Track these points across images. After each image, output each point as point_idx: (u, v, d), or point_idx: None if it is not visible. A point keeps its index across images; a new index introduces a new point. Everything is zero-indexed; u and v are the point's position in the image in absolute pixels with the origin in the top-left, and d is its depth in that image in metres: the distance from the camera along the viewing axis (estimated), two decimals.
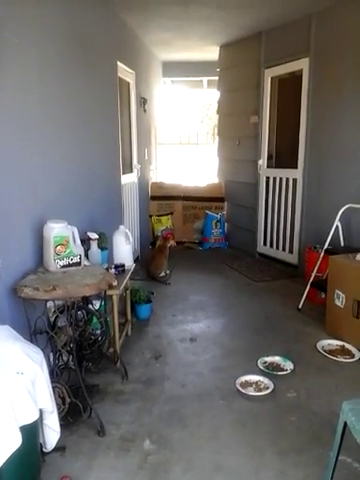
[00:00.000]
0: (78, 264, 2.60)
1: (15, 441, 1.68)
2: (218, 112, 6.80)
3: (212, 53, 6.56)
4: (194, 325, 3.79)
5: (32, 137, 2.70)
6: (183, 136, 8.10)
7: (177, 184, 6.92)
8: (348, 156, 4.29)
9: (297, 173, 5.06)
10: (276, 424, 2.46)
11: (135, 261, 4.66)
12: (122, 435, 2.35)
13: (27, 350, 1.90)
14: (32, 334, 2.32)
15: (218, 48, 6.42)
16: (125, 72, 5.12)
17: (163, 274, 5.04)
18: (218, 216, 6.53)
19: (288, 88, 5.36)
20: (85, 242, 3.07)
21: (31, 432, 1.85)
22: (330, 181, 4.55)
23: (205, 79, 7.93)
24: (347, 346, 3.33)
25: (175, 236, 6.44)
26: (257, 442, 2.31)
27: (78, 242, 2.67)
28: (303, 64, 4.82)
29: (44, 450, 2.11)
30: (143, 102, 5.98)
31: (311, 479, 2.04)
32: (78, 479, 2.04)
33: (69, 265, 2.56)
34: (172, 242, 5.23)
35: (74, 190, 3.38)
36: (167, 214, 6.70)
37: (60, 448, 2.18)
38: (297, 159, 5.04)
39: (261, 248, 5.89)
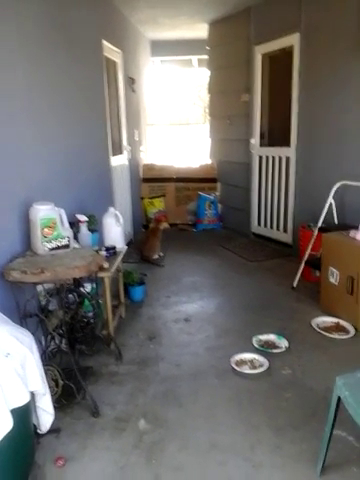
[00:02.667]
0: (67, 246, 2.58)
1: (6, 424, 1.67)
2: (209, 91, 6.72)
3: (201, 31, 6.45)
4: (188, 306, 3.78)
5: (17, 118, 2.64)
6: (174, 117, 8.02)
7: (169, 165, 6.87)
8: (340, 133, 4.24)
9: (290, 151, 5.02)
10: (271, 401, 2.47)
11: (128, 244, 4.65)
12: (117, 416, 2.35)
13: (16, 333, 1.88)
14: (22, 318, 2.29)
15: (207, 26, 6.32)
16: (112, 51, 5.02)
17: (156, 256, 5.02)
18: (211, 197, 6.49)
19: (279, 65, 5.28)
20: (74, 225, 3.04)
21: (23, 415, 1.83)
22: (323, 158, 4.51)
23: (195, 58, 7.81)
24: (341, 323, 3.34)
25: (168, 218, 6.43)
26: (252, 419, 2.32)
27: (66, 224, 2.64)
28: (294, 40, 4.73)
29: (38, 432, 2.10)
30: (131, 82, 5.88)
31: (307, 453, 2.05)
32: (73, 460, 2.05)
33: (57, 248, 2.54)
34: (165, 224, 5.21)
35: (62, 172, 3.33)
36: (159, 196, 6.65)
37: (55, 430, 2.19)
38: (290, 137, 4.99)
39: (255, 228, 5.87)
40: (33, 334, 2.02)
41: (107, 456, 2.07)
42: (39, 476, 1.95)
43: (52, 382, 2.29)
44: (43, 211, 2.49)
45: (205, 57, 6.73)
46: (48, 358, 2.40)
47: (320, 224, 3.94)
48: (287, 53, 4.90)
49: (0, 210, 2.44)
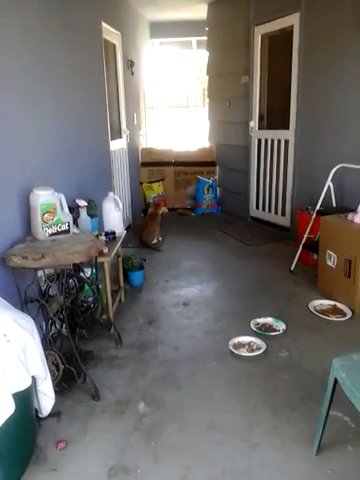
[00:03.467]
0: (67, 232, 2.58)
1: (9, 408, 1.69)
2: (208, 73, 6.63)
3: (201, 12, 6.33)
4: (187, 290, 3.80)
5: (15, 103, 2.61)
6: (173, 100, 7.93)
7: (168, 149, 6.82)
8: (340, 116, 4.20)
9: (289, 134, 4.98)
10: (269, 383, 2.50)
11: (127, 229, 4.65)
12: (117, 399, 2.38)
13: (17, 318, 1.89)
14: (23, 303, 2.31)
15: (206, 6, 6.19)
16: (111, 33, 4.94)
17: (155, 241, 5.02)
18: (210, 181, 6.46)
19: (279, 46, 5.19)
20: (74, 210, 3.03)
21: (24, 399, 1.86)
22: (322, 141, 4.48)
23: (194, 39, 7.70)
24: (338, 305, 3.36)
25: (167, 203, 6.44)
26: (250, 400, 2.35)
27: (66, 209, 2.63)
28: (294, 20, 4.66)
29: (40, 416, 2.13)
30: (130, 65, 5.80)
31: (304, 434, 2.09)
32: (74, 442, 2.08)
33: (58, 233, 2.54)
34: (164, 209, 5.22)
35: (61, 157, 3.31)
36: (158, 180, 6.62)
37: (56, 413, 2.21)
38: (289, 120, 4.94)
39: (253, 212, 5.86)
40: (34, 319, 2.03)
41: (107, 438, 2.11)
42: (41, 459, 1.99)
43: (53, 366, 2.31)
44: (43, 196, 2.48)
45: (204, 38, 6.62)
46: (49, 343, 2.42)
47: (318, 207, 3.93)
48: (287, 33, 4.82)
49: (0, 196, 2.43)
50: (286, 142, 5.07)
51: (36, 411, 2.10)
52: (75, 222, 2.97)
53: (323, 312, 3.29)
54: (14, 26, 2.60)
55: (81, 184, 3.66)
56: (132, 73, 5.93)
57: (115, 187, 5.01)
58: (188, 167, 6.64)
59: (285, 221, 5.26)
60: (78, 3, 3.76)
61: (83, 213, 3.08)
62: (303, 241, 4.01)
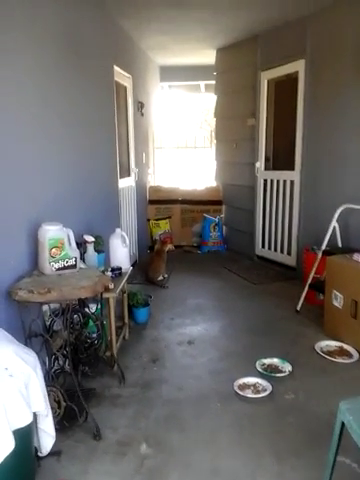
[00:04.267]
0: (74, 267, 2.58)
1: (8, 445, 1.65)
2: (215, 115, 6.81)
3: (209, 57, 6.57)
4: (192, 328, 3.77)
5: (28, 140, 2.69)
6: (181, 140, 8.10)
7: (175, 188, 6.92)
8: (344, 157, 4.28)
9: (294, 175, 5.06)
10: (274, 426, 2.44)
11: (133, 265, 4.66)
12: (119, 439, 2.33)
13: (21, 353, 1.88)
14: (27, 337, 2.30)
15: (215, 51, 6.44)
16: (122, 76, 5.13)
17: (161, 278, 5.01)
18: (216, 219, 6.51)
19: (285, 90, 5.36)
20: (81, 245, 3.06)
21: (25, 436, 1.82)
22: (327, 182, 4.54)
23: (202, 83, 7.95)
24: (345, 347, 3.31)
25: (173, 240, 6.46)
26: (255, 445, 2.29)
27: (73, 244, 2.65)
28: (299, 66, 4.82)
29: (39, 454, 2.08)
30: (140, 106, 5.98)
31: None
32: None
33: (64, 268, 2.55)
34: (170, 246, 5.23)
35: (70, 193, 3.36)
36: (165, 218, 6.68)
37: (55, 452, 2.16)
38: (294, 161, 5.03)
39: (259, 251, 5.87)
40: (37, 354, 2.02)
41: None
42: None
43: (54, 403, 2.27)
44: (52, 231, 2.51)
45: (212, 82, 6.84)
46: (51, 379, 2.39)
47: (324, 247, 3.94)
48: (292, 79, 4.98)
49: (9, 229, 2.47)
50: (291, 182, 5.14)
51: (36, 449, 2.05)
52: (82, 257, 2.99)
53: (330, 353, 3.24)
54: (30, 67, 2.71)
55: (89, 220, 3.71)
56: (142, 114, 6.10)
57: (122, 224, 5.05)
58: (195, 205, 6.72)
59: (291, 260, 5.26)
60: (91, 47, 3.93)
61: (90, 249, 3.10)
62: (309, 281, 4.00)
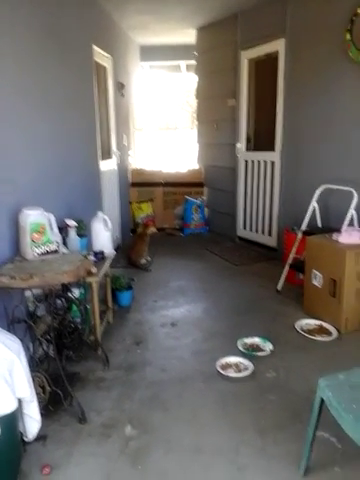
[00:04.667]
0: (56, 252, 2.57)
1: None
2: (197, 96, 6.74)
3: (189, 36, 6.48)
4: (175, 310, 3.79)
5: (5, 122, 2.62)
6: (162, 122, 8.02)
7: (157, 170, 6.87)
8: (324, 138, 4.29)
9: (275, 156, 5.06)
10: (256, 403, 2.49)
11: (116, 249, 4.64)
12: (103, 422, 2.35)
13: (4, 339, 1.88)
14: (10, 323, 2.28)
15: (195, 31, 6.34)
16: (101, 56, 5.02)
17: (144, 261, 5.02)
18: (198, 201, 6.51)
19: (265, 70, 5.32)
20: (63, 230, 3.04)
21: (10, 422, 1.83)
22: (307, 163, 4.56)
23: (183, 63, 7.84)
24: (325, 325, 3.38)
25: (156, 223, 6.44)
26: (237, 421, 2.34)
27: (55, 229, 2.64)
28: (279, 45, 4.78)
29: (25, 440, 2.09)
30: (121, 87, 5.88)
31: (291, 455, 2.07)
32: (59, 467, 2.04)
33: (47, 253, 2.54)
34: (153, 229, 5.20)
35: (51, 177, 3.32)
36: (147, 201, 6.66)
37: (41, 437, 2.17)
38: (274, 142, 5.03)
39: (241, 232, 5.91)
40: (21, 340, 2.01)
41: (93, 463, 2.07)
42: None
43: (39, 389, 2.28)
44: (33, 216, 2.49)
45: (193, 62, 6.75)
46: (36, 364, 2.39)
47: (304, 227, 3.98)
48: (273, 58, 4.94)
49: None
50: (272, 163, 5.15)
51: (21, 435, 2.06)
52: (64, 242, 2.97)
53: (309, 332, 3.30)
54: (6, 45, 2.63)
55: (71, 204, 3.67)
56: (122, 95, 6.01)
57: (105, 207, 5.01)
58: (177, 188, 6.69)
59: (272, 241, 5.30)
60: (71, 26, 3.83)
61: (72, 233, 3.08)
62: (289, 261, 4.05)
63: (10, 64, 2.68)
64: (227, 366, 2.85)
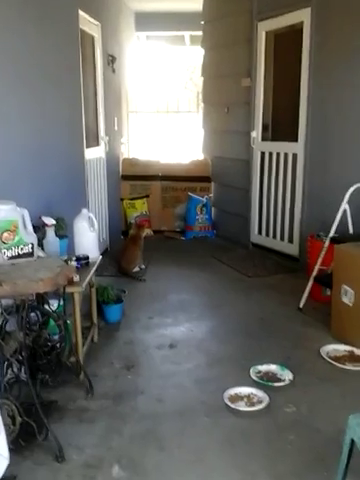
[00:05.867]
0: (30, 255, 2.58)
1: None
2: (203, 74, 6.80)
3: (195, 2, 6.54)
4: (174, 329, 3.80)
5: None
6: (161, 103, 8.05)
7: (154, 161, 6.91)
8: (358, 126, 4.31)
9: (297, 147, 5.08)
10: (272, 444, 2.47)
11: (103, 253, 4.65)
12: (86, 460, 2.34)
13: None
14: None
15: None
16: (89, 24, 5.07)
17: (137, 269, 5.03)
18: (204, 199, 6.54)
19: (286, 45, 5.37)
20: (40, 229, 3.06)
21: None
22: (337, 156, 4.58)
23: (187, 34, 7.93)
24: (356, 351, 3.37)
25: (152, 224, 6.47)
26: (249, 466, 2.32)
27: (30, 228, 2.64)
28: (304, 15, 4.82)
29: None
30: (111, 60, 5.94)
31: None
32: None
33: (19, 256, 2.54)
34: (148, 231, 5.24)
35: (25, 166, 3.34)
36: (142, 197, 6.69)
37: (10, 478, 2.15)
38: (297, 130, 5.05)
39: (255, 237, 5.92)
40: None
41: None
42: None
43: (8, 419, 2.26)
44: (2, 212, 2.49)
45: (199, 33, 6.81)
46: (4, 390, 2.38)
47: (332, 234, 3.97)
48: (296, 31, 4.98)
49: None
50: (294, 156, 5.17)
51: None
52: (40, 243, 2.98)
53: (338, 359, 3.29)
54: None
55: (49, 198, 3.68)
56: (113, 70, 6.05)
57: (90, 203, 5.03)
58: (178, 182, 6.73)
59: (293, 249, 5.31)
60: None
61: (50, 233, 3.09)
62: (314, 273, 4.04)
63: None
64: (237, 398, 2.84)
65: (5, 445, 2.02)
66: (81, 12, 4.68)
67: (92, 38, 5.35)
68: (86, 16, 4.88)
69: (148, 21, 7.66)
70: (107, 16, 5.78)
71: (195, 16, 6.74)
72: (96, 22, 5.29)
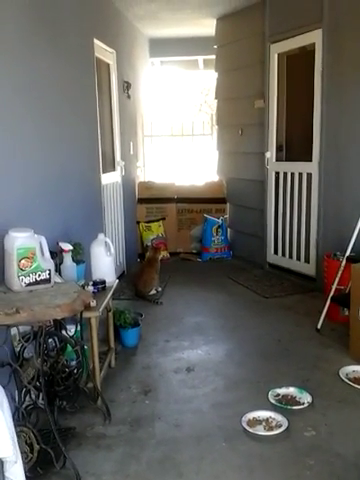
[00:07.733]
0: (47, 281, 2.59)
1: None
2: (216, 96, 6.86)
3: (208, 27, 6.61)
4: (191, 352, 3.78)
5: None
6: (176, 127, 8.12)
7: (169, 183, 6.95)
8: None
9: (312, 167, 5.08)
10: (291, 470, 2.44)
11: (120, 277, 4.67)
12: None
13: None
14: None
15: (215, 21, 6.48)
16: (104, 51, 5.16)
17: (154, 292, 5.03)
18: (219, 221, 6.54)
19: (299, 66, 5.40)
20: (57, 255, 3.07)
21: None
22: (352, 175, 4.56)
23: (201, 58, 7.99)
24: None
25: (168, 246, 6.47)
26: None
27: (47, 255, 2.66)
28: (315, 37, 4.85)
29: None
30: (126, 87, 6.01)
31: None
32: None
33: (36, 282, 2.55)
34: (164, 253, 5.24)
35: (43, 192, 3.37)
36: (158, 220, 6.71)
37: None
38: (311, 150, 5.05)
39: (272, 257, 5.89)
40: (4, 387, 2.01)
41: None
42: None
43: (26, 446, 2.27)
44: (20, 239, 2.51)
45: (212, 57, 6.88)
46: (22, 417, 2.38)
47: (349, 253, 3.95)
48: (308, 52, 5.02)
49: None
50: (309, 176, 5.16)
51: None
52: (58, 269, 3.00)
53: (357, 381, 3.24)
54: None
55: (66, 224, 3.71)
56: (128, 96, 6.13)
57: (106, 227, 5.06)
58: (193, 204, 6.75)
59: (310, 269, 5.27)
60: (68, 18, 3.96)
61: (67, 258, 3.11)
62: (331, 293, 4.00)
63: None
64: (255, 422, 2.81)
65: (22, 473, 2.03)
66: (96, 41, 4.76)
67: (108, 65, 5.44)
68: (102, 44, 4.97)
69: (162, 47, 7.76)
70: (122, 44, 5.87)
71: (208, 40, 6.81)
72: (111, 50, 5.38)
